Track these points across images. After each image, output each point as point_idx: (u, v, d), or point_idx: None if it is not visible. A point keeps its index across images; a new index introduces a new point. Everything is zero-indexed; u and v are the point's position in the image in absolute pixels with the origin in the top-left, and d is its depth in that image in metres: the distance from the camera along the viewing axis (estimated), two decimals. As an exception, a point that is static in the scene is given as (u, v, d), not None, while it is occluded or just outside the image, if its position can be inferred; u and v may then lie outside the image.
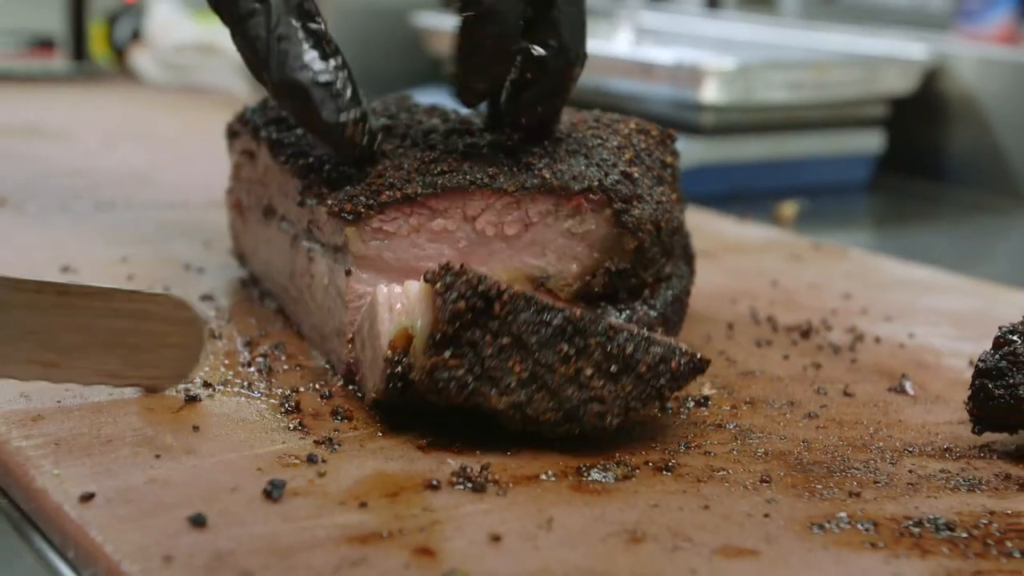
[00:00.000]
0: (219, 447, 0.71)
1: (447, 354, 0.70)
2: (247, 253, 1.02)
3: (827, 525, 0.66)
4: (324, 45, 0.80)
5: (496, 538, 0.62)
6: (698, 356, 0.74)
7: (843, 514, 0.67)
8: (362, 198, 0.80)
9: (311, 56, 0.79)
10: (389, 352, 0.72)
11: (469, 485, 0.68)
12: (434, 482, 0.68)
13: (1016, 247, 1.59)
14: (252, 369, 0.83)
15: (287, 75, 0.79)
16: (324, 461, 0.70)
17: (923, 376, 0.91)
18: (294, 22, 0.80)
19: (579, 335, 0.71)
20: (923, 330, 1.02)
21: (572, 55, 0.81)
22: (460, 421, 0.73)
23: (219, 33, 2.26)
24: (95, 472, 0.67)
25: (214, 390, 0.80)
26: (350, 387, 0.81)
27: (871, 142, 1.72)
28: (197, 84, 2.10)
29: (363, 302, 0.79)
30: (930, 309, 1.09)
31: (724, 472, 0.72)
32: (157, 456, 0.70)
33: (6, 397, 0.76)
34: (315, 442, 0.73)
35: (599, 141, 0.86)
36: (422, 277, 0.72)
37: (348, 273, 0.79)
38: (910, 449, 0.77)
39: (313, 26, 0.80)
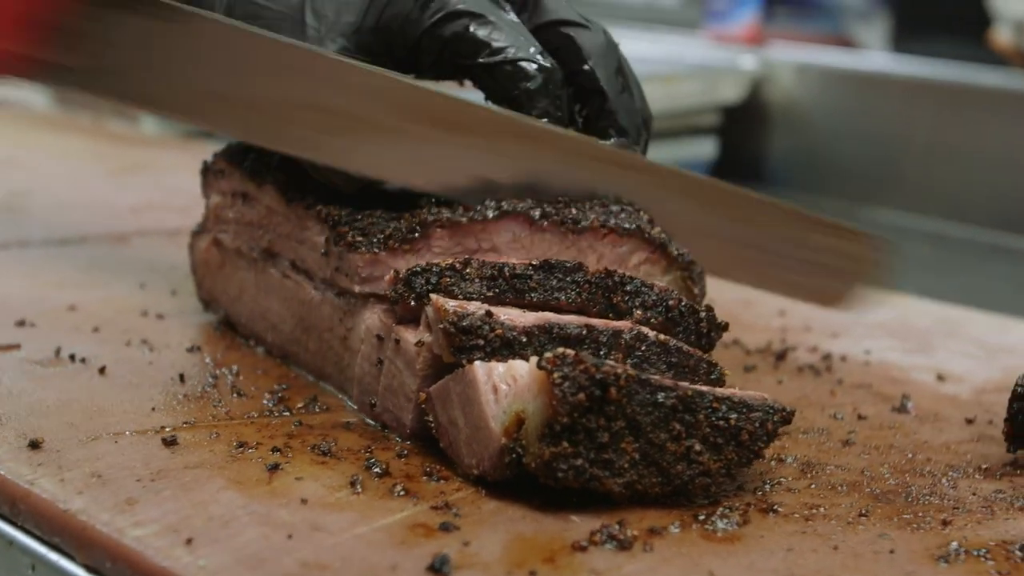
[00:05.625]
0: (342, 520, 0.69)
1: (565, 444, 0.70)
2: (223, 297, 0.98)
3: (949, 557, 0.70)
4: None
5: (680, 598, 0.63)
6: (786, 410, 0.76)
7: (954, 543, 0.71)
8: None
9: None
10: (505, 439, 0.72)
11: (615, 544, 0.68)
12: (583, 543, 0.68)
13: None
14: (304, 427, 0.81)
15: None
16: (458, 528, 0.69)
17: (908, 393, 0.96)
18: None
19: (689, 412, 0.73)
20: (872, 344, 1.08)
21: (633, 140, 0.88)
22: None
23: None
24: (240, 561, 0.65)
25: (282, 454, 0.77)
26: (418, 444, 0.80)
27: (705, 149, 1.79)
28: (-5, 97, 1.98)
29: (432, 370, 0.78)
30: (858, 322, 1.15)
31: (821, 508, 0.75)
32: (289, 537, 0.67)
33: (82, 482, 0.72)
34: (432, 508, 0.72)
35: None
36: (533, 362, 0.71)
37: (420, 344, 0.78)
38: (955, 471, 0.82)
39: None
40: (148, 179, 1.55)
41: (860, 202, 1.76)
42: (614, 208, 0.86)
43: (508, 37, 0.84)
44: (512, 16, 0.87)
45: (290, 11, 0.87)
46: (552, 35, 0.87)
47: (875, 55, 2.58)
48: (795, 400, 0.93)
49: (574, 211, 0.84)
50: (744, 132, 1.82)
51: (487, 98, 0.87)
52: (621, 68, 0.88)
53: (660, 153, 1.72)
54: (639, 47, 1.95)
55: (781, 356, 1.03)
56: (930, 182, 1.73)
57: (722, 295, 0.99)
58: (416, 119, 0.83)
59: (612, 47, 0.89)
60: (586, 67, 0.87)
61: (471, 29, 0.84)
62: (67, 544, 0.68)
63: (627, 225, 0.85)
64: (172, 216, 1.35)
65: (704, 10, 3.13)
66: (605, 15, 2.87)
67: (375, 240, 0.82)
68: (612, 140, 0.88)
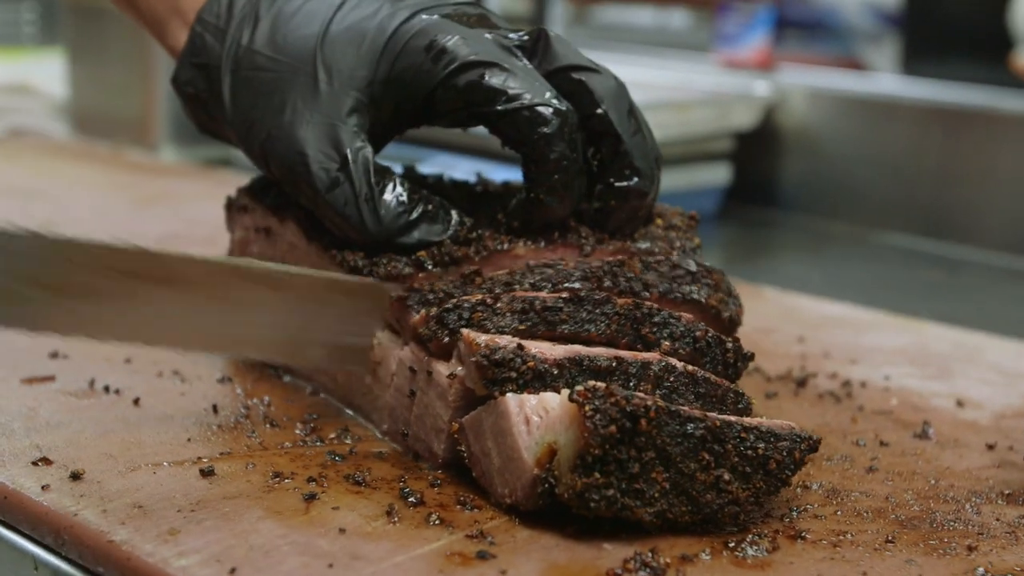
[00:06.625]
0: (380, 550, 0.71)
1: (596, 475, 0.71)
2: (252, 330, 1.00)
3: (977, 583, 0.71)
4: (401, 187, 0.87)
5: (714, 625, 0.65)
6: (813, 438, 0.78)
7: (980, 569, 0.73)
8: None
9: (397, 202, 0.86)
10: (537, 470, 0.73)
11: (648, 571, 0.70)
12: (617, 571, 0.70)
13: (859, 272, 1.70)
14: (338, 459, 0.83)
15: (387, 228, 0.86)
16: (494, 557, 0.71)
17: (928, 419, 0.98)
18: (373, 181, 0.87)
19: (718, 442, 0.74)
20: (891, 371, 1.09)
21: (648, 180, 0.88)
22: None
23: (32, 71, 2.17)
24: (284, 590, 0.66)
25: (317, 484, 0.79)
26: (449, 473, 0.81)
27: (719, 175, 1.81)
28: (13, 127, 2.00)
29: (464, 401, 0.79)
30: (877, 348, 1.17)
31: (848, 535, 0.77)
32: (330, 566, 0.69)
33: (124, 513, 0.73)
34: (467, 536, 0.73)
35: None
36: (564, 394, 0.73)
37: (452, 376, 0.79)
38: (977, 497, 0.84)
39: (386, 181, 0.87)
40: (170, 209, 1.57)
41: (874, 226, 1.77)
42: (680, 271, 0.87)
43: (523, 83, 0.85)
44: (525, 62, 0.88)
45: (300, 64, 0.89)
46: (563, 80, 0.88)
47: (887, 78, 2.60)
48: (817, 427, 0.95)
49: (632, 280, 0.86)
50: (757, 157, 1.83)
51: (504, 144, 0.88)
52: (632, 110, 0.89)
53: (675, 180, 1.74)
54: (651, 75, 1.97)
55: (801, 383, 1.04)
56: (944, 205, 1.74)
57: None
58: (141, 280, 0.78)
59: (623, 90, 0.89)
60: (599, 111, 0.87)
61: (485, 78, 0.85)
62: (111, 574, 0.70)
63: (688, 297, 0.87)
64: (197, 247, 1.37)
65: (714, 33, 3.15)
66: (615, 39, 2.90)
67: (431, 298, 0.83)
68: (629, 181, 0.88)
